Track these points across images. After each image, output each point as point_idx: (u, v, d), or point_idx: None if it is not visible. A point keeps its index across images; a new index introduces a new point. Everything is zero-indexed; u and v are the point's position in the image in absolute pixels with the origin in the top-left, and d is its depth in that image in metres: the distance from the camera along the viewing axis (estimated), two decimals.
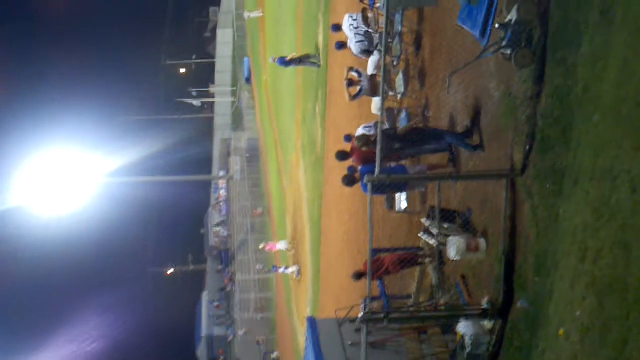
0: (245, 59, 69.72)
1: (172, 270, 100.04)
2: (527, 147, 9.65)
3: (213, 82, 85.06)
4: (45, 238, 68.93)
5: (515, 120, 10.04)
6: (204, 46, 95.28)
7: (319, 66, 28.33)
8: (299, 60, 28.36)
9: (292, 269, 38.37)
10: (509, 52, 9.74)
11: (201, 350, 72.21)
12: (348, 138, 16.33)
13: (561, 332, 8.23)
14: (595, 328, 7.44)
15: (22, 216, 50.12)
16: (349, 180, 13.53)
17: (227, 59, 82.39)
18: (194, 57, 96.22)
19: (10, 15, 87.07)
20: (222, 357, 68.82)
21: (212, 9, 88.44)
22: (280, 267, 40.23)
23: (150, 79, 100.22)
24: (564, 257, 8.40)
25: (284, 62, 28.02)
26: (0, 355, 76.12)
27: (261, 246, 46.03)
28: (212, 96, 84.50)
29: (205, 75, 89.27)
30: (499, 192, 10.45)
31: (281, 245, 41.24)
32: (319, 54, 28.59)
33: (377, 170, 10.74)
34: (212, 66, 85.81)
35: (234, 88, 79.60)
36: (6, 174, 44.10)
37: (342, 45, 18.11)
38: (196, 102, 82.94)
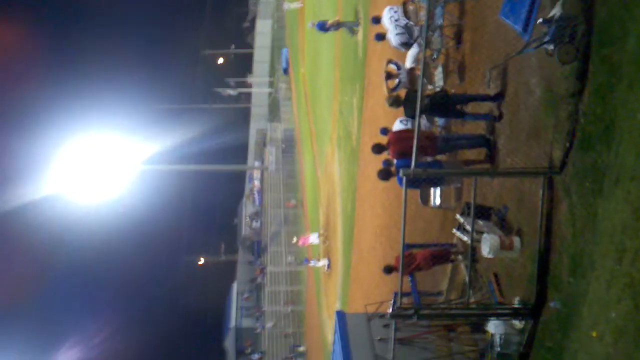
0: (284, 50, 69.76)
1: (204, 259, 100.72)
2: (567, 145, 9.46)
3: (251, 72, 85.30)
4: (82, 225, 69.81)
5: (555, 117, 9.85)
6: (243, 36, 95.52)
7: (355, 33, 28.38)
8: (338, 25, 28.65)
9: (323, 262, 38.36)
10: (551, 47, 9.55)
11: (229, 341, 72.46)
12: (384, 131, 16.20)
13: (594, 333, 8.08)
14: (630, 330, 7.28)
15: (60, 203, 50.74)
16: (385, 174, 13.47)
17: (265, 50, 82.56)
18: (232, 47, 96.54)
19: (51, 2, 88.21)
20: (249, 349, 69.06)
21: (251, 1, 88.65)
22: (311, 260, 40.27)
23: (188, 68, 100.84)
24: (601, 258, 8.23)
25: (323, 27, 28.31)
26: (41, 338, 77.42)
27: (294, 240, 46.10)
28: (250, 86, 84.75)
29: (243, 65, 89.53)
30: (536, 190, 10.28)
31: (313, 239, 41.24)
32: (358, 22, 28.61)
33: (412, 164, 10.63)
34: (250, 56, 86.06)
35: (272, 79, 79.77)
36: (44, 162, 44.68)
37: (381, 36, 17.95)
38: (233, 92, 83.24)
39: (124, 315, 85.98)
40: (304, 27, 52.36)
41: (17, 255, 77.24)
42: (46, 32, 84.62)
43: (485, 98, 12.63)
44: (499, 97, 12.21)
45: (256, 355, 62.99)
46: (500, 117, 12.06)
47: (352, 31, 28.81)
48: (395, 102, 13.71)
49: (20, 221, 68.23)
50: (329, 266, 37.52)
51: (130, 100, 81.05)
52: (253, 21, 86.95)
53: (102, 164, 41.86)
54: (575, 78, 9.32)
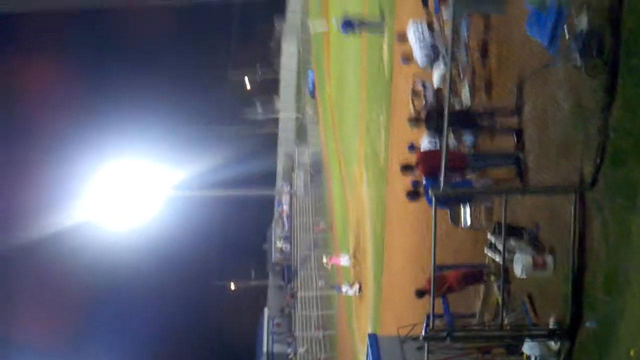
0: (309, 72, 70.10)
1: (234, 285, 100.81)
2: (598, 160, 9.27)
3: (278, 95, 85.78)
4: (113, 252, 70.39)
5: (585, 132, 9.67)
6: (270, 59, 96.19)
7: (382, 31, 28.33)
8: (362, 23, 28.66)
9: (354, 290, 38.05)
10: (578, 61, 9.39)
11: None
12: (412, 147, 16.13)
13: (632, 352, 7.87)
14: None
15: (91, 231, 51.28)
16: (413, 195, 13.40)
17: (292, 73, 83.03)
18: (259, 70, 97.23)
19: (81, 28, 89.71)
20: None
21: (277, 20, 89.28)
22: (343, 287, 39.93)
23: (216, 93, 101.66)
24: (636, 275, 8.02)
25: (347, 23, 28.44)
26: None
27: (324, 260, 45.86)
28: (277, 110, 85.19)
29: (270, 89, 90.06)
30: (567, 207, 10.07)
31: (344, 260, 40.99)
32: (383, 19, 28.54)
33: (442, 183, 10.52)
34: (277, 80, 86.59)
35: (298, 103, 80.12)
36: (76, 190, 45.26)
37: (407, 59, 17.95)
38: (261, 116, 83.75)
39: (157, 342, 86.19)
40: (330, 49, 52.61)
41: (50, 282, 78.04)
42: (76, 60, 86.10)
43: (505, 112, 12.55)
44: (517, 111, 12.09)
45: None
46: (521, 130, 11.93)
47: (378, 31, 28.77)
48: (416, 122, 13.68)
49: (53, 249, 69.02)
50: (359, 290, 37.27)
51: (160, 125, 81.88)
52: (279, 43, 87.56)
53: (132, 190, 42.27)
54: (603, 91, 9.15)
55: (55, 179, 63.13)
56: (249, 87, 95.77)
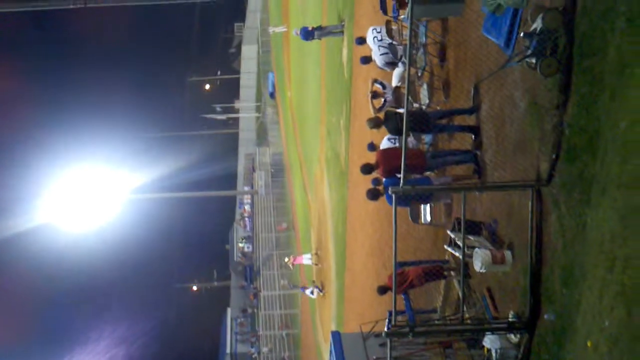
0: (270, 74, 70.04)
1: (197, 286, 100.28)
2: (554, 157, 9.52)
3: (238, 98, 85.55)
4: (71, 254, 69.55)
5: (541, 129, 9.93)
6: (229, 62, 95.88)
7: (342, 34, 28.42)
8: (321, 30, 28.75)
9: (317, 292, 38.20)
10: (534, 61, 9.64)
11: None
12: (372, 147, 16.29)
13: (589, 343, 8.09)
14: (624, 338, 7.29)
15: (50, 233, 50.63)
16: (373, 193, 13.48)
17: (251, 75, 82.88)
18: (218, 73, 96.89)
19: (40, 34, 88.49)
20: None
21: (237, 24, 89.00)
22: (307, 289, 40.04)
23: (175, 96, 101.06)
24: (592, 268, 8.26)
25: (307, 32, 28.49)
26: None
27: (286, 260, 45.93)
28: (237, 111, 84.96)
29: (230, 91, 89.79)
30: (524, 202, 10.33)
31: (306, 259, 41.12)
32: (342, 24, 28.64)
33: (401, 181, 10.67)
34: (236, 82, 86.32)
35: (258, 103, 80.00)
36: (34, 192, 44.66)
37: (367, 60, 18.09)
38: (221, 117, 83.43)
39: (117, 345, 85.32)
40: (290, 51, 52.67)
41: (8, 285, 76.75)
42: (34, 66, 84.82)
43: (461, 112, 12.82)
44: (474, 110, 12.38)
45: None
46: (478, 128, 12.24)
47: (338, 33, 28.89)
48: (375, 124, 13.84)
49: (12, 251, 67.93)
50: (321, 290, 37.42)
51: (118, 130, 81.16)
52: (239, 47, 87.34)
53: (91, 193, 41.86)
54: (558, 90, 9.41)
55: (14, 181, 62.25)
56: (208, 89, 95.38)
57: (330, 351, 13.78)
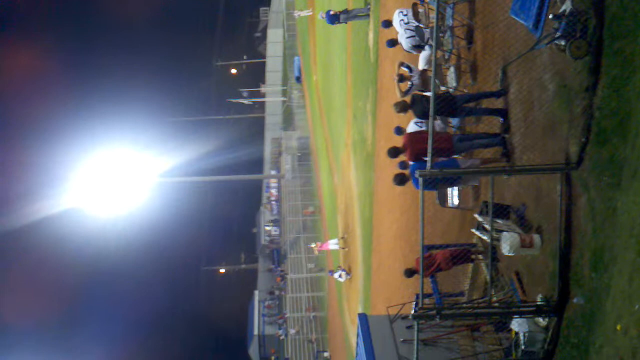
0: (296, 58, 69.94)
1: (224, 269, 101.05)
2: (583, 140, 9.44)
3: (264, 82, 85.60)
4: (100, 239, 70.29)
5: (570, 112, 9.84)
6: (255, 46, 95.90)
7: (368, 17, 28.28)
8: (347, 13, 28.63)
9: (345, 277, 38.29)
10: (563, 43, 9.55)
11: (253, 349, 72.69)
12: (399, 130, 16.22)
13: (619, 327, 8.05)
14: None
15: (78, 217, 51.14)
16: (400, 178, 13.45)
17: (277, 59, 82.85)
18: (244, 57, 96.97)
19: (68, 19, 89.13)
20: (273, 357, 69.16)
21: (262, 9, 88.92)
22: (335, 272, 40.15)
23: (202, 80, 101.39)
24: (622, 251, 8.20)
25: (332, 16, 28.46)
26: (56, 349, 77.88)
27: (312, 245, 46.09)
28: (263, 96, 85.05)
29: (256, 75, 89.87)
30: (553, 186, 10.26)
31: (332, 245, 41.23)
32: (368, 7, 28.49)
33: (429, 164, 10.64)
34: (262, 66, 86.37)
35: (285, 87, 80.00)
36: (62, 177, 45.09)
37: (393, 42, 17.97)
38: (247, 101, 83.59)
39: (147, 328, 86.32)
40: (315, 35, 52.53)
41: (36, 268, 77.89)
42: (63, 50, 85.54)
43: (489, 94, 12.72)
44: (502, 93, 12.27)
45: None
46: (506, 111, 12.14)
47: (363, 16, 28.76)
48: (402, 108, 13.76)
49: (40, 235, 68.84)
50: (348, 274, 37.52)
51: (146, 114, 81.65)
52: (264, 31, 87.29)
53: (120, 177, 42.14)
54: (588, 72, 9.31)
55: (42, 165, 62.96)
56: (234, 73, 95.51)
57: (358, 333, 13.81)
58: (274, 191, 76.34)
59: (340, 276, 38.91)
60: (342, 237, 39.88)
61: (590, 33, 9.25)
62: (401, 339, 12.75)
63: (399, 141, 13.62)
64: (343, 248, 39.56)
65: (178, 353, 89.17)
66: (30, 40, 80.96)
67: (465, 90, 14.37)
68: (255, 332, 71.35)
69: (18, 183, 67.86)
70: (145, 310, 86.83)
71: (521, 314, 10.77)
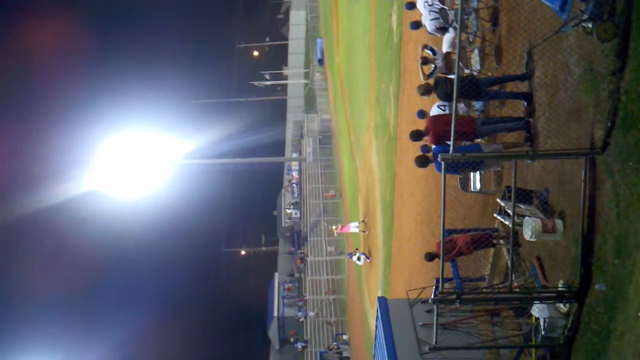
0: (318, 41, 69.73)
1: (245, 251, 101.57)
2: (609, 124, 9.30)
3: (286, 64, 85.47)
4: (121, 221, 70.75)
5: (596, 96, 9.69)
6: (277, 28, 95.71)
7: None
8: None
9: (363, 259, 38.37)
10: (590, 25, 9.39)
11: (272, 331, 73.21)
12: (421, 114, 16.10)
13: None
14: None
15: (99, 199, 51.47)
16: (422, 160, 13.35)
17: (300, 41, 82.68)
18: (267, 39, 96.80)
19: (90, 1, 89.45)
20: (293, 338, 69.60)
21: None
22: (354, 255, 40.19)
23: (224, 62, 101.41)
24: None
25: None
26: (79, 327, 78.81)
27: (334, 227, 46.12)
28: (285, 78, 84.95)
29: (278, 58, 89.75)
30: (577, 171, 10.13)
31: (353, 228, 41.24)
32: None
33: (451, 148, 10.55)
34: (285, 48, 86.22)
35: (307, 70, 79.84)
36: (84, 159, 45.34)
37: (417, 25, 17.79)
38: (269, 83, 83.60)
39: (169, 310, 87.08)
40: (338, 17, 52.28)
41: (58, 250, 78.67)
42: (87, 31, 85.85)
43: (514, 78, 12.58)
44: (527, 76, 12.13)
45: (300, 344, 63.37)
46: (531, 95, 12.01)
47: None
48: (426, 90, 13.66)
49: (62, 217, 69.47)
50: (368, 257, 37.55)
51: (167, 96, 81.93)
52: (287, 13, 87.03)
53: (142, 159, 42.30)
54: (615, 55, 9.15)
55: (64, 147, 63.39)
56: (257, 55, 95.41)
57: (377, 316, 13.80)
58: (295, 174, 76.42)
59: (359, 259, 38.95)
60: (363, 221, 39.87)
61: (618, 15, 9.08)
62: (420, 323, 12.74)
63: (421, 124, 13.51)
64: (363, 231, 39.57)
65: (198, 334, 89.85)
66: (54, 20, 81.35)
67: (490, 74, 14.22)
68: (275, 314, 71.83)
69: (40, 165, 68.47)
70: (165, 292, 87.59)
71: (542, 300, 10.70)
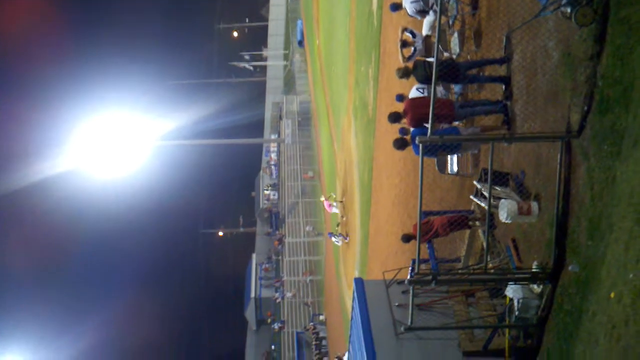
0: (299, 22, 69.45)
1: (223, 232, 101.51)
2: (585, 108, 9.40)
3: (266, 46, 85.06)
4: (99, 201, 70.38)
5: (573, 80, 9.79)
6: (257, 9, 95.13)
7: None
8: None
9: (340, 238, 38.56)
10: (568, 10, 9.46)
11: (250, 312, 73.38)
12: (400, 98, 16.15)
13: (612, 295, 8.11)
14: None
15: (78, 179, 51.19)
16: (400, 143, 13.43)
17: (280, 22, 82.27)
18: (247, 20, 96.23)
19: None
20: (270, 319, 69.85)
21: None
22: (333, 236, 40.27)
23: (203, 43, 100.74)
24: (619, 220, 8.22)
25: None
26: (56, 307, 78.52)
27: (322, 199, 45.95)
28: (265, 59, 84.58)
29: (258, 39, 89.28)
30: (553, 154, 10.25)
31: (335, 209, 41.33)
32: None
33: (429, 131, 10.61)
34: (265, 29, 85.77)
35: (287, 51, 79.54)
36: (62, 138, 45.01)
37: (397, 6, 17.78)
38: (248, 65, 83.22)
39: (146, 291, 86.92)
40: None
41: (35, 229, 78.15)
42: (65, 10, 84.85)
43: (493, 61, 12.66)
44: (505, 60, 12.22)
45: (277, 325, 63.63)
46: (509, 79, 12.10)
47: None
48: (405, 73, 13.69)
49: (40, 196, 68.96)
50: (345, 237, 37.73)
51: (146, 76, 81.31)
52: None
53: (119, 140, 42.08)
54: (593, 40, 9.24)
55: (41, 127, 62.82)
56: (236, 36, 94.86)
57: (353, 297, 13.90)
58: (273, 155, 76.34)
59: (337, 241, 39.18)
60: (341, 201, 39.98)
61: (597, 0, 9.16)
62: (396, 304, 12.84)
63: (400, 107, 13.56)
64: (342, 217, 39.68)
65: (174, 315, 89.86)
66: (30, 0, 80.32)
67: (469, 57, 14.29)
68: (252, 295, 71.99)
69: (17, 143, 67.82)
70: (142, 273, 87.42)
71: (516, 281, 10.84)
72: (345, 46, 38.37)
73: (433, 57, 11.39)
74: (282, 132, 68.90)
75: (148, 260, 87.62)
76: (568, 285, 9.76)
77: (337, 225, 40.04)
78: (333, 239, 40.07)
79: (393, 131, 16.64)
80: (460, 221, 13.13)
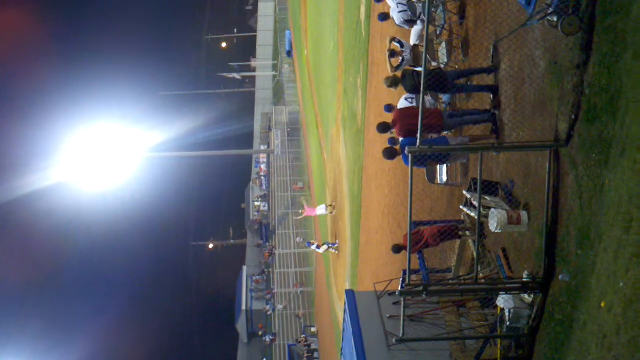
0: (287, 32, 69.56)
1: (213, 244, 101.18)
2: (573, 117, 9.41)
3: (254, 56, 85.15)
4: (89, 213, 70.07)
5: (560, 89, 9.80)
6: (246, 20, 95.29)
7: None
8: None
9: (324, 247, 38.49)
10: (555, 19, 9.49)
11: (241, 324, 73.08)
12: (389, 108, 16.16)
13: (603, 304, 8.09)
14: (639, 299, 7.28)
15: (67, 191, 50.96)
16: (390, 153, 13.40)
17: (268, 33, 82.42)
18: (235, 31, 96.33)
19: None
20: (261, 332, 69.59)
21: None
22: (313, 244, 40.24)
23: (192, 54, 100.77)
24: (608, 229, 8.21)
25: None
26: (45, 321, 78.03)
27: (300, 211, 45.99)
28: (254, 70, 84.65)
29: (246, 49, 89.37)
30: (542, 163, 10.25)
31: (321, 210, 41.12)
32: None
33: (418, 141, 10.59)
34: (253, 40, 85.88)
35: (275, 62, 79.63)
36: (50, 151, 44.81)
37: (385, 16, 17.83)
38: (237, 76, 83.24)
39: (135, 303, 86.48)
40: (307, 9, 52.16)
41: (25, 242, 77.70)
42: (53, 22, 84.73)
43: (480, 71, 12.67)
44: (493, 69, 12.24)
45: (268, 337, 63.38)
46: (497, 88, 12.09)
47: None
48: (393, 82, 13.71)
49: (29, 209, 68.61)
50: (334, 244, 37.66)
51: (135, 88, 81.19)
52: (256, 4, 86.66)
53: (108, 152, 41.91)
54: (579, 49, 9.26)
55: (30, 139, 62.57)
56: (225, 47, 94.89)
57: (345, 309, 13.84)
58: (263, 166, 76.28)
59: (318, 247, 39.05)
60: (331, 205, 39.86)
61: (583, 10, 9.19)
62: (388, 315, 12.80)
63: (389, 118, 13.56)
64: (331, 213, 39.46)
65: (166, 328, 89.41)
66: (20, 12, 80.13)
67: (457, 66, 14.31)
68: (243, 307, 71.69)
69: (5, 156, 67.51)
70: (133, 286, 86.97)
71: (507, 291, 10.81)
72: (334, 56, 38.43)
73: (421, 66, 11.40)
74: (272, 143, 68.88)
75: (138, 273, 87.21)
76: (559, 294, 9.74)
77: (330, 205, 39.65)
78: (313, 247, 40.00)
79: (382, 141, 16.66)
80: (450, 231, 13.10)
